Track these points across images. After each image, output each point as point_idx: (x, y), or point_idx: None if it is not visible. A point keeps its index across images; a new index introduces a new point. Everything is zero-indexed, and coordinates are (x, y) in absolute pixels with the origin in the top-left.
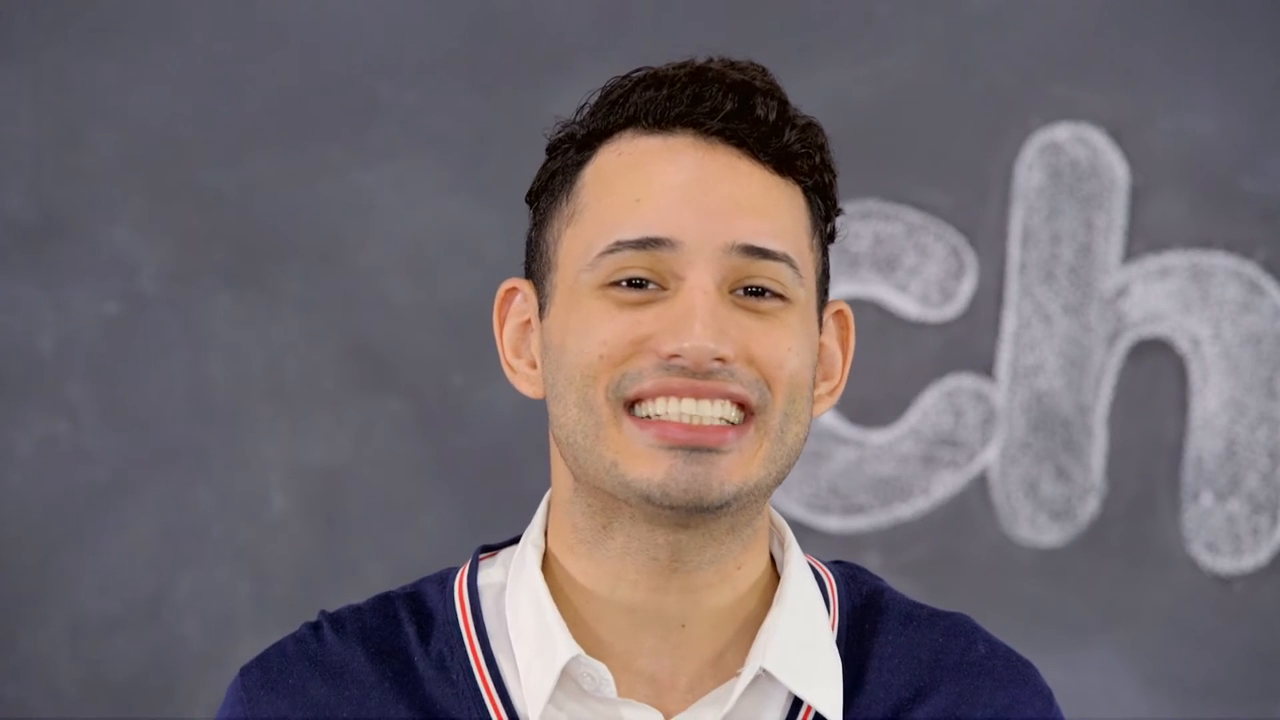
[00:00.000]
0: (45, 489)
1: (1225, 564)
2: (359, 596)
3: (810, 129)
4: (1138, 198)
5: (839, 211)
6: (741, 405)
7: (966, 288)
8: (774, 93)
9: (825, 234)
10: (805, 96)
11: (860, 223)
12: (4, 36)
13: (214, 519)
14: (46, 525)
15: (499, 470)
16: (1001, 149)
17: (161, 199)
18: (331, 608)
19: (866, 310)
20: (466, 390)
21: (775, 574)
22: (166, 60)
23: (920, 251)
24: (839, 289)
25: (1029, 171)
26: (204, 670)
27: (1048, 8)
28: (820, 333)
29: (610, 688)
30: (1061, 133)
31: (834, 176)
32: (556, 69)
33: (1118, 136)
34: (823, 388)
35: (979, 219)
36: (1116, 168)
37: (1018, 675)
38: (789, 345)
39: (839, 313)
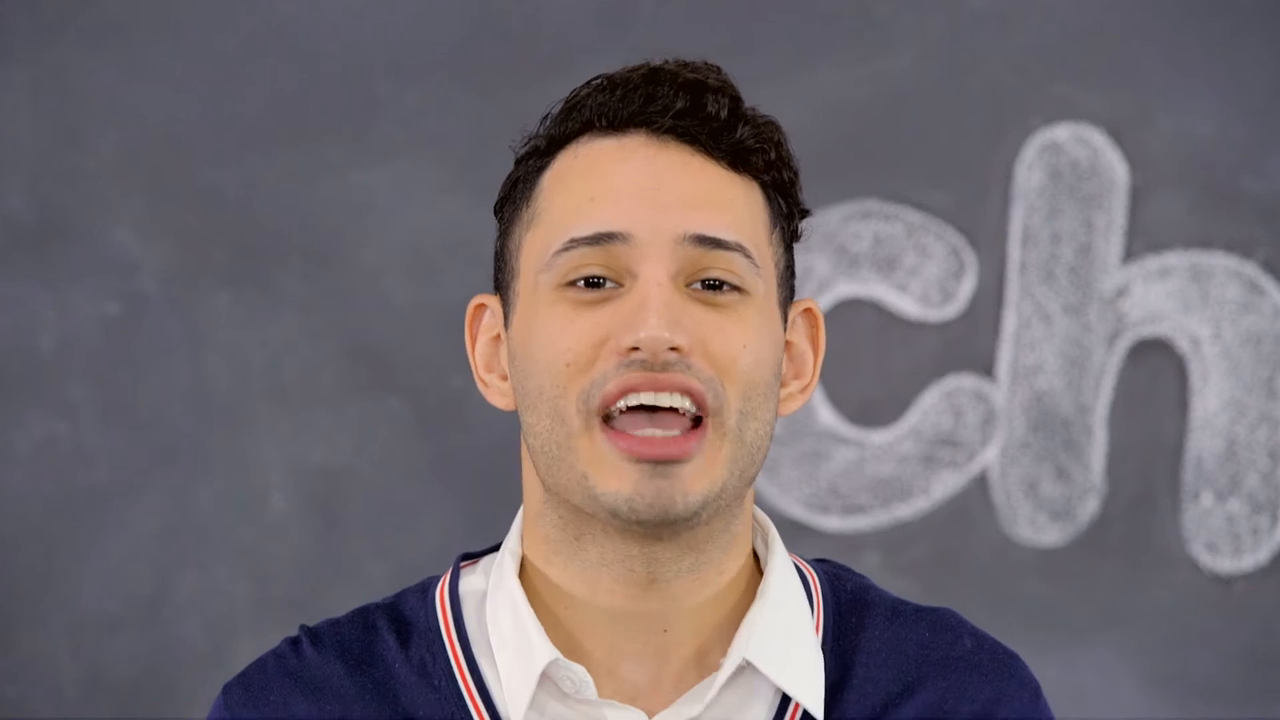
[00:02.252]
0: (45, 489)
1: (1225, 564)
2: (358, 596)
3: (766, 126)
4: (1138, 198)
5: (805, 213)
6: (697, 402)
7: (966, 288)
8: (726, 90)
9: (788, 232)
10: (805, 96)
11: (860, 223)
12: (4, 36)
13: (214, 519)
14: (46, 525)
15: (498, 471)
16: (1001, 149)
17: (161, 199)
18: (331, 608)
19: (866, 310)
20: (466, 390)
21: (758, 570)
22: (166, 60)
23: (920, 251)
24: (839, 289)
25: (1029, 171)
26: (204, 670)
27: (1048, 8)
28: (787, 330)
29: (590, 690)
30: (1061, 133)
31: (794, 175)
32: (556, 69)
33: (1118, 136)
34: (793, 386)
35: (979, 219)
36: (1116, 168)
37: (1004, 669)
38: (744, 341)
39: (807, 310)
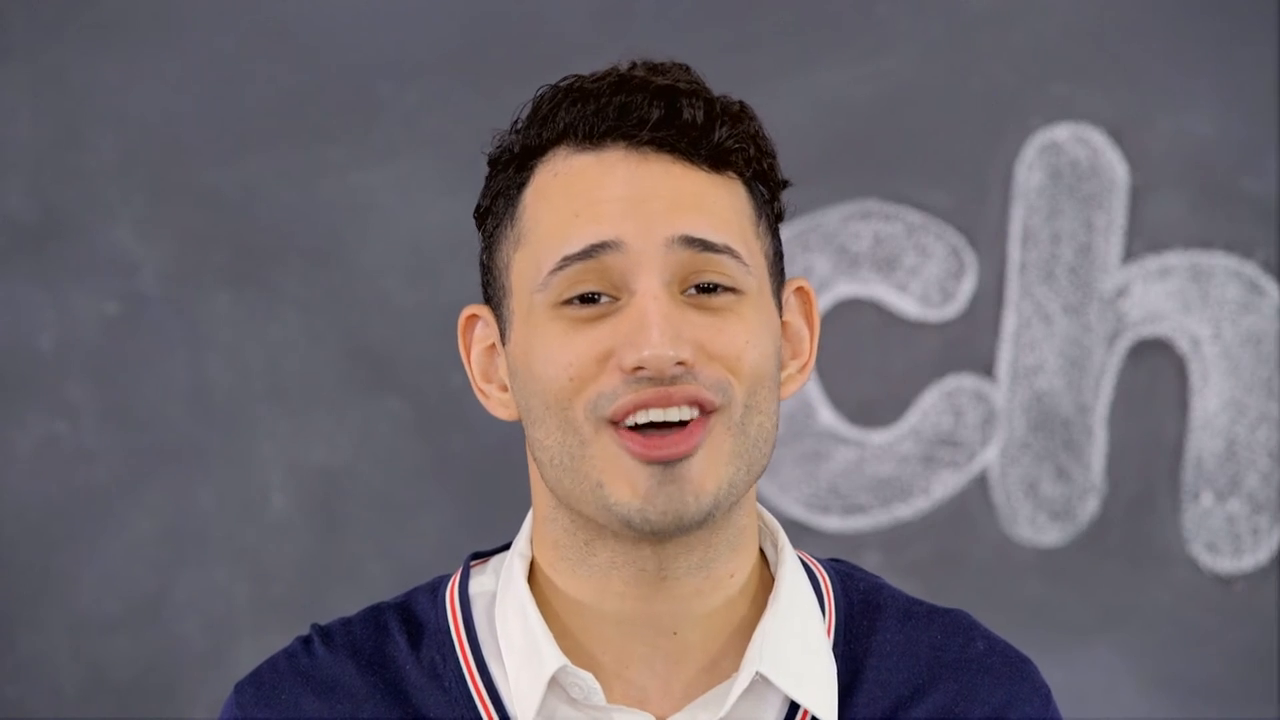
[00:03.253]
0: (45, 489)
1: (1225, 564)
2: (359, 596)
3: (740, 121)
4: (1138, 198)
5: (785, 185)
6: (705, 411)
7: (966, 288)
8: (699, 92)
9: (772, 215)
10: (805, 96)
11: (860, 223)
12: (4, 36)
13: (214, 519)
14: (46, 525)
15: (499, 471)
16: (1001, 149)
17: (161, 199)
18: (331, 608)
19: (866, 310)
20: (466, 390)
21: (768, 574)
22: (166, 60)
23: (920, 251)
24: (839, 289)
25: (1029, 171)
26: (204, 670)
27: (1048, 8)
28: (782, 314)
29: (599, 696)
30: (1061, 133)
31: (773, 159)
32: (556, 69)
33: (1118, 136)
34: (792, 366)
35: (979, 219)
36: (1116, 168)
37: (1016, 672)
38: (745, 338)
39: (799, 289)
